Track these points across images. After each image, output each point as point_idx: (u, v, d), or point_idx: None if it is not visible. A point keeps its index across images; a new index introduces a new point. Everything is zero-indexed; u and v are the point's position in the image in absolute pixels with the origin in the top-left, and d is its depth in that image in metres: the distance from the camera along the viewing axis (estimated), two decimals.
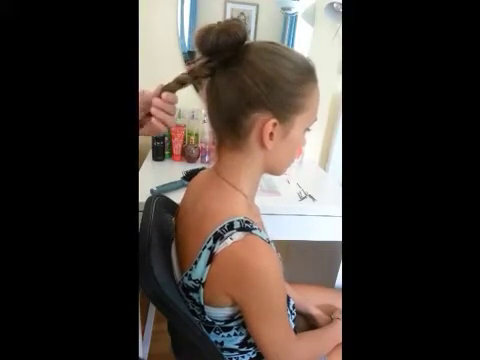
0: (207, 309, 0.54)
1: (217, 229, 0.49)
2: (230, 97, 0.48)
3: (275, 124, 0.49)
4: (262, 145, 0.51)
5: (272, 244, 0.54)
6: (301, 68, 0.50)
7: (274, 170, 0.58)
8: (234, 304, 0.53)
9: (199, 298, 0.53)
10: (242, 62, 0.48)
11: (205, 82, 0.52)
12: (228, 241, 0.48)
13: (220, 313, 0.55)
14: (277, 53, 0.49)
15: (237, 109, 0.49)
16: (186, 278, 0.53)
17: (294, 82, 0.49)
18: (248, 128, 0.50)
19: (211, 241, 0.49)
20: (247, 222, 0.50)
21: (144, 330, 1.32)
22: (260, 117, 0.49)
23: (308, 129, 0.55)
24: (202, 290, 0.51)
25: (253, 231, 0.49)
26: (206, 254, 0.49)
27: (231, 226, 0.49)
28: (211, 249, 0.49)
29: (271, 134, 0.50)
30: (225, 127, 0.52)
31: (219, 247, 0.48)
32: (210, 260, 0.49)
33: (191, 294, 0.54)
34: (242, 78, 0.47)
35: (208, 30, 0.46)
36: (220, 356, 0.60)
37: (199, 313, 0.55)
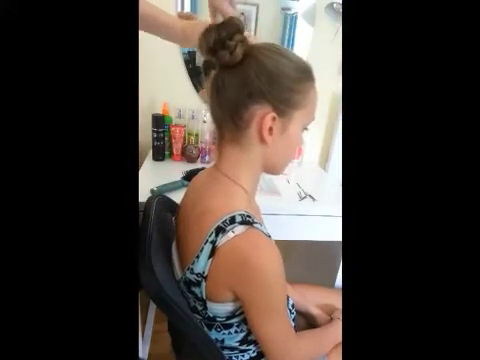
0: (208, 304, 0.54)
1: (219, 223, 0.50)
2: (233, 89, 0.50)
3: (274, 118, 0.51)
4: (261, 139, 0.52)
5: (272, 239, 0.54)
6: (300, 67, 0.52)
7: (273, 168, 0.59)
8: (235, 299, 0.53)
9: (201, 292, 0.53)
10: (247, 58, 0.50)
11: (205, 82, 0.53)
12: (230, 234, 0.49)
13: (221, 309, 0.55)
14: (278, 53, 0.52)
15: (238, 101, 0.51)
16: (188, 272, 0.54)
17: (294, 79, 0.51)
18: (247, 120, 0.51)
19: (213, 235, 0.50)
20: (248, 216, 0.51)
21: (144, 330, 1.32)
22: (259, 110, 0.50)
23: (306, 129, 0.57)
24: (204, 284, 0.52)
25: (254, 225, 0.50)
26: (208, 248, 0.50)
27: (233, 220, 0.50)
28: (213, 243, 0.49)
29: (270, 129, 0.51)
30: (226, 120, 0.53)
31: (221, 241, 0.49)
32: (212, 254, 0.50)
33: (193, 289, 0.54)
34: (246, 71, 0.49)
35: (208, 29, 0.49)
36: (220, 355, 0.60)
37: (201, 309, 0.55)
